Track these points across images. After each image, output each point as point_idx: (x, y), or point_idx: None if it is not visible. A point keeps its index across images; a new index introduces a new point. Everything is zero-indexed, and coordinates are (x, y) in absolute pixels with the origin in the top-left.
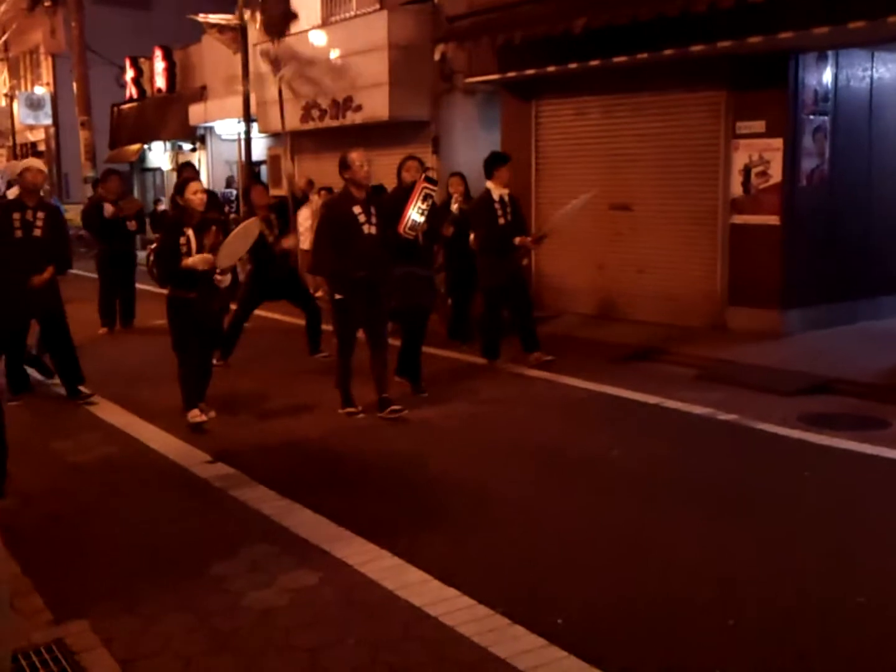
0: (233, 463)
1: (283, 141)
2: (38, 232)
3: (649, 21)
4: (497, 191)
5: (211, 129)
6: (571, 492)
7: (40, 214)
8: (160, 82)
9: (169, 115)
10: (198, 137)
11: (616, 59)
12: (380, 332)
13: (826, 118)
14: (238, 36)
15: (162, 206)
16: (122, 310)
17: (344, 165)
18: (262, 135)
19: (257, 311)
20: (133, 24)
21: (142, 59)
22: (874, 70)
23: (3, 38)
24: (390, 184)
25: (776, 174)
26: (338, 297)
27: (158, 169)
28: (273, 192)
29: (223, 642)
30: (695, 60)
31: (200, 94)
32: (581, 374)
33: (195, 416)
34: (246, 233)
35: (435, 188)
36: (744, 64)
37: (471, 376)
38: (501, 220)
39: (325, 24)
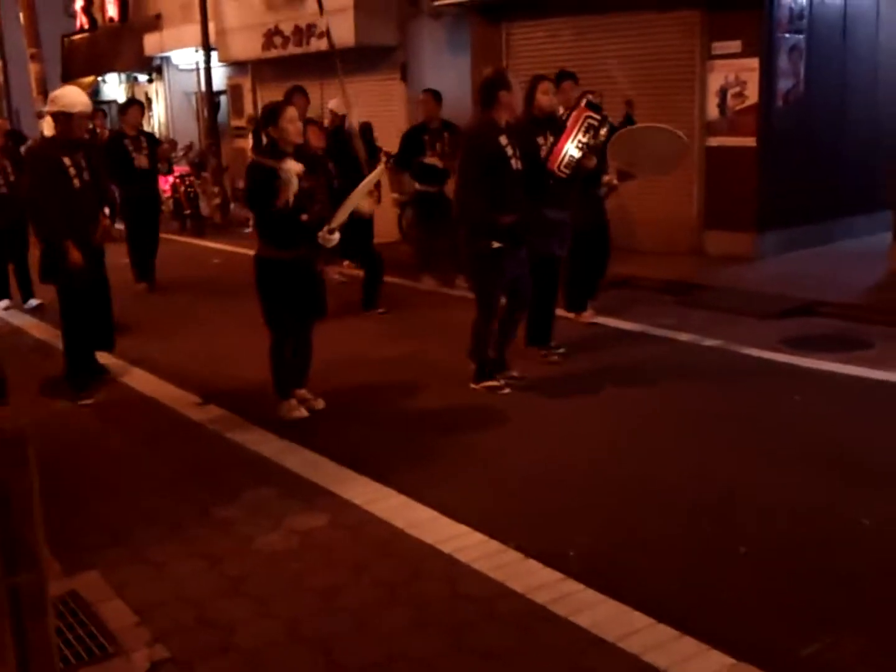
0: (224, 405)
1: (244, 70)
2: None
3: None
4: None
5: (167, 59)
6: (560, 424)
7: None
8: (112, 11)
9: (123, 45)
10: (154, 68)
11: None
12: (524, 288)
13: (801, 37)
14: None
15: None
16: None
17: (501, 83)
18: (222, 64)
19: None
20: None
21: None
22: None
23: None
24: (364, 115)
25: (752, 95)
26: (487, 247)
27: (114, 101)
28: (234, 122)
29: (236, 586)
30: None
31: (155, 23)
32: (560, 302)
33: (291, 409)
34: (371, 182)
35: (599, 117)
36: None
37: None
38: None
39: None
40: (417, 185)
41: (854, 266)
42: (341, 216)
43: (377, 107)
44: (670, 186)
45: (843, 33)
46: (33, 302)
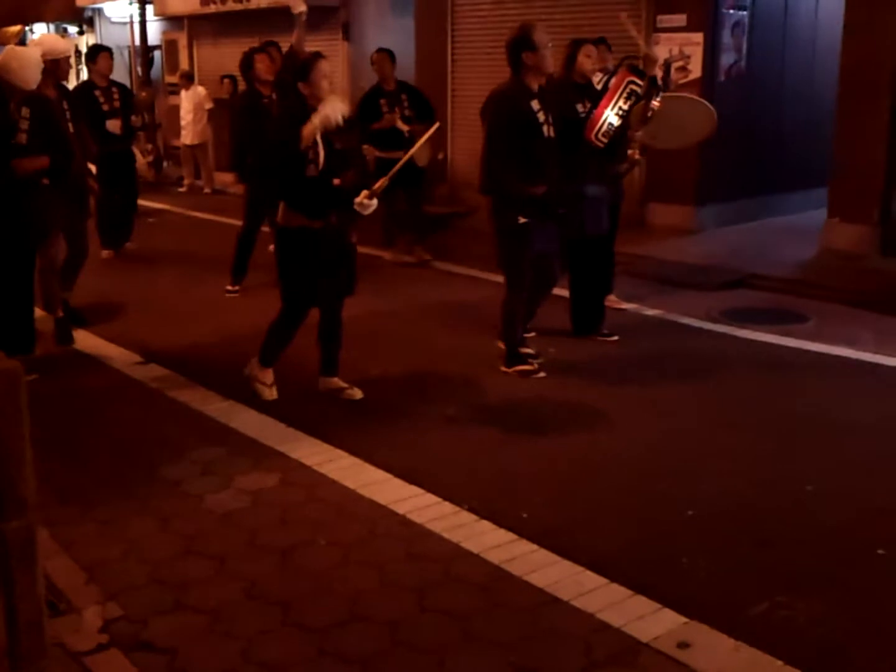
0: (165, 364)
1: (180, 25)
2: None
3: None
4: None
5: (100, 10)
6: (510, 387)
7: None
8: None
9: None
10: (85, 20)
11: None
12: (550, 267)
13: (745, 13)
14: None
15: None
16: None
17: (526, 44)
18: (157, 18)
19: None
20: None
21: None
22: None
23: None
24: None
25: (696, 69)
26: (515, 221)
27: None
28: (168, 78)
29: (189, 545)
30: None
31: None
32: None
33: (264, 384)
34: (427, 137)
35: (643, 83)
36: None
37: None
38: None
39: None
40: (378, 153)
41: (789, 241)
42: (386, 180)
43: None
44: None
45: (784, 11)
46: None
